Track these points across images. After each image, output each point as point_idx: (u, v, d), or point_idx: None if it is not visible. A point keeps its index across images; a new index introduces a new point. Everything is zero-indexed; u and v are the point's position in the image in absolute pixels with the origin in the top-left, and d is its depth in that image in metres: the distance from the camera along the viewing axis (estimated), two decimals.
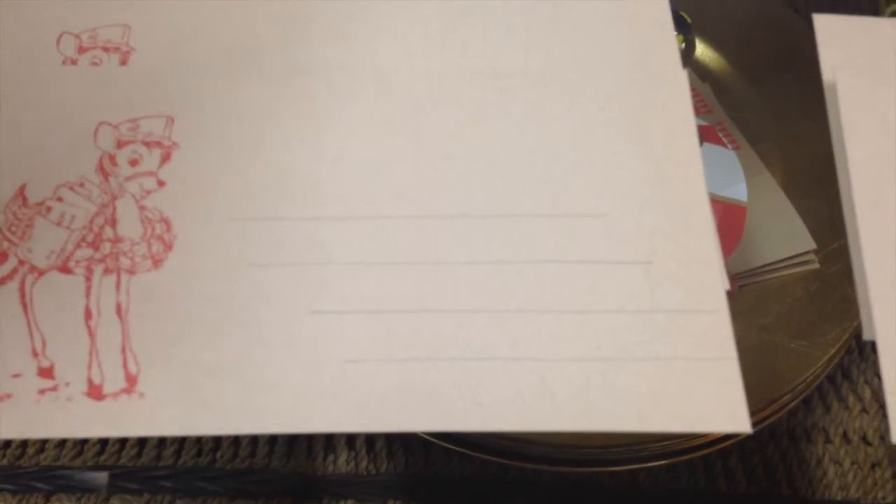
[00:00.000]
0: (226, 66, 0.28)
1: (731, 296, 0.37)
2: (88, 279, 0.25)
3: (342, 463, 0.38)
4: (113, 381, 0.23)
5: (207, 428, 0.23)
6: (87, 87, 0.28)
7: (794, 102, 0.42)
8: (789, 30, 0.44)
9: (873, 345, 0.23)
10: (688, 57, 0.44)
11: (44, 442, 0.38)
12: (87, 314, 0.24)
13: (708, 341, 0.24)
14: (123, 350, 0.24)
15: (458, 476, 0.37)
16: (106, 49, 0.29)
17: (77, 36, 0.29)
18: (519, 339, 0.24)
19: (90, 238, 0.25)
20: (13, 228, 0.25)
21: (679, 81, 0.28)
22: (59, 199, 0.26)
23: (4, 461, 0.38)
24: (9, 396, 0.23)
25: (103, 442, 0.38)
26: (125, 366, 0.24)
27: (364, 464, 0.38)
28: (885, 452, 0.38)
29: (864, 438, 0.38)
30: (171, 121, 0.27)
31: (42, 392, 0.23)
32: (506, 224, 0.26)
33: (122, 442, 0.38)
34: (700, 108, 0.44)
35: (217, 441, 0.38)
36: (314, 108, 0.28)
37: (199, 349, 0.24)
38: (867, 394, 0.39)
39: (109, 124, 0.27)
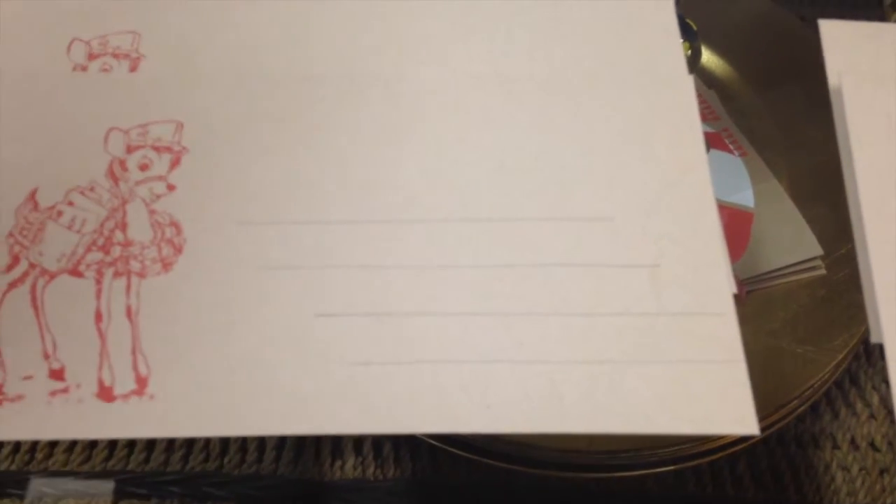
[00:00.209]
0: (234, 73, 0.29)
1: (739, 301, 0.37)
2: (99, 282, 0.25)
3: (349, 468, 0.38)
4: (123, 382, 0.24)
5: (216, 429, 0.23)
6: (97, 93, 0.28)
7: (799, 109, 0.42)
8: (795, 37, 0.44)
9: (881, 349, 0.23)
10: (694, 64, 0.44)
11: (52, 447, 0.38)
12: (98, 317, 0.24)
13: (715, 344, 0.24)
14: (134, 352, 0.24)
15: (466, 482, 0.37)
16: (116, 56, 0.29)
17: (87, 43, 0.29)
18: (526, 341, 0.24)
19: (101, 242, 0.25)
20: (25, 232, 0.25)
21: (685, 87, 0.28)
22: (70, 204, 0.26)
23: (13, 466, 0.38)
24: (20, 398, 0.23)
25: (111, 447, 0.38)
26: (135, 368, 0.24)
27: (371, 469, 0.38)
28: (894, 458, 0.38)
29: (872, 444, 0.38)
30: (180, 126, 0.27)
31: (53, 394, 0.23)
32: (512, 228, 0.26)
33: (131, 447, 0.38)
34: (706, 115, 0.44)
35: (225, 446, 0.38)
36: (321, 114, 0.28)
37: (208, 351, 0.24)
38: (875, 399, 0.39)
39: (119, 130, 0.27)
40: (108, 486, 0.37)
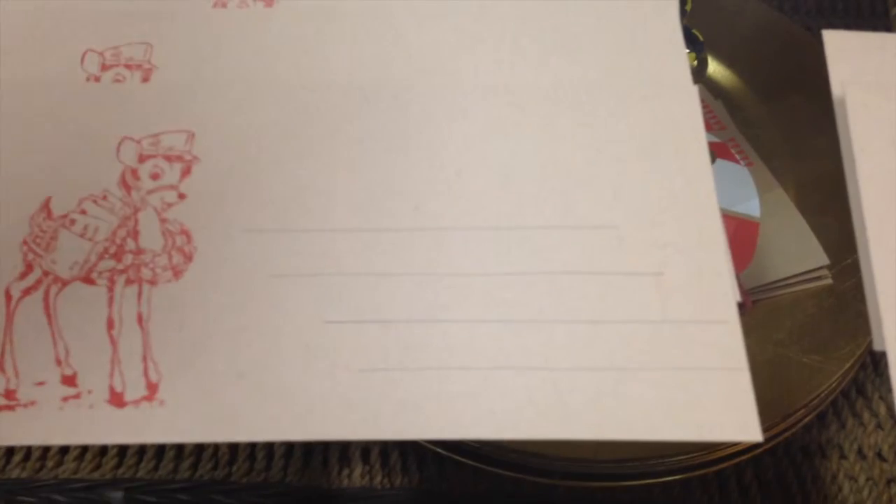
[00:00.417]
0: (244, 83, 0.29)
1: (745, 311, 0.37)
2: (111, 290, 0.25)
3: (357, 477, 0.38)
4: (134, 388, 0.24)
5: (225, 435, 0.24)
6: (110, 103, 0.29)
7: (806, 119, 0.43)
8: (801, 48, 0.44)
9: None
10: (700, 74, 0.45)
11: (63, 454, 0.39)
12: (110, 324, 0.25)
13: (719, 351, 0.24)
14: (144, 359, 0.24)
15: (472, 491, 0.37)
16: (128, 66, 0.30)
17: (101, 54, 0.30)
18: (531, 348, 0.24)
19: (112, 250, 0.26)
20: (38, 241, 0.26)
21: (690, 97, 0.28)
22: (83, 212, 0.26)
23: (24, 474, 0.38)
24: (33, 403, 0.24)
25: (121, 455, 0.39)
26: (146, 374, 0.24)
27: (379, 478, 0.38)
28: None
29: (879, 454, 0.38)
30: (191, 136, 0.28)
31: (65, 399, 0.24)
32: (518, 236, 0.26)
33: (140, 455, 0.39)
34: (713, 125, 0.44)
35: (233, 454, 0.39)
36: (330, 123, 0.28)
37: (217, 358, 0.24)
38: (882, 409, 0.39)
39: (132, 139, 0.28)
40: (117, 494, 0.38)
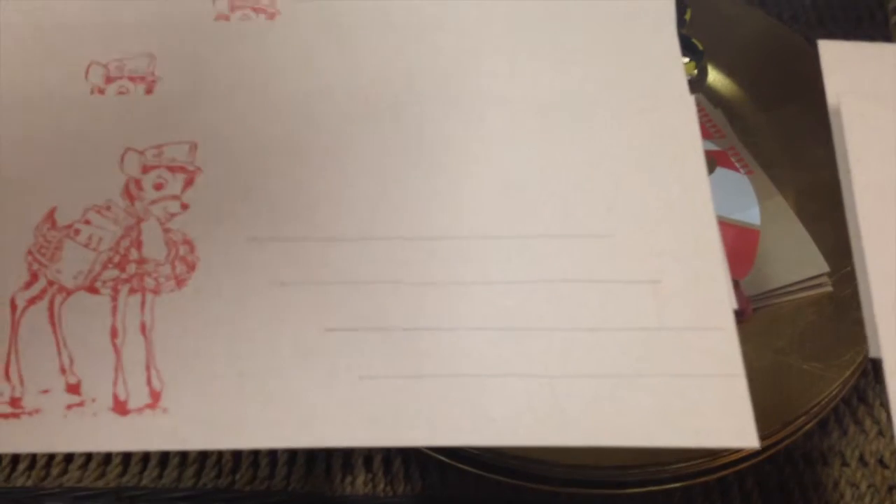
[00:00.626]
0: (246, 95, 0.30)
1: (745, 318, 0.37)
2: (114, 299, 0.25)
3: (360, 484, 0.38)
4: (137, 396, 0.24)
5: (228, 442, 0.24)
6: (114, 115, 0.29)
7: (806, 128, 0.43)
8: (800, 57, 0.44)
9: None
10: (700, 83, 0.45)
11: (67, 463, 0.39)
12: (114, 332, 0.25)
13: (715, 358, 0.24)
14: (148, 367, 0.24)
15: (474, 498, 0.37)
16: (132, 79, 0.30)
17: (105, 66, 0.30)
18: (530, 355, 0.24)
19: (116, 259, 0.26)
20: (43, 250, 0.26)
21: (687, 108, 0.29)
22: (87, 222, 0.27)
23: (29, 482, 0.39)
24: (38, 411, 0.24)
25: (125, 464, 0.39)
26: (149, 382, 0.24)
27: (381, 485, 0.38)
28: None
29: (880, 461, 0.38)
30: (194, 147, 0.28)
31: (69, 407, 0.24)
32: (518, 244, 0.26)
33: (144, 463, 0.39)
34: (713, 134, 0.44)
35: (236, 462, 0.39)
36: (331, 134, 0.29)
37: (220, 366, 0.24)
38: (883, 416, 0.39)
39: (135, 150, 0.28)
40: (121, 502, 0.38)
